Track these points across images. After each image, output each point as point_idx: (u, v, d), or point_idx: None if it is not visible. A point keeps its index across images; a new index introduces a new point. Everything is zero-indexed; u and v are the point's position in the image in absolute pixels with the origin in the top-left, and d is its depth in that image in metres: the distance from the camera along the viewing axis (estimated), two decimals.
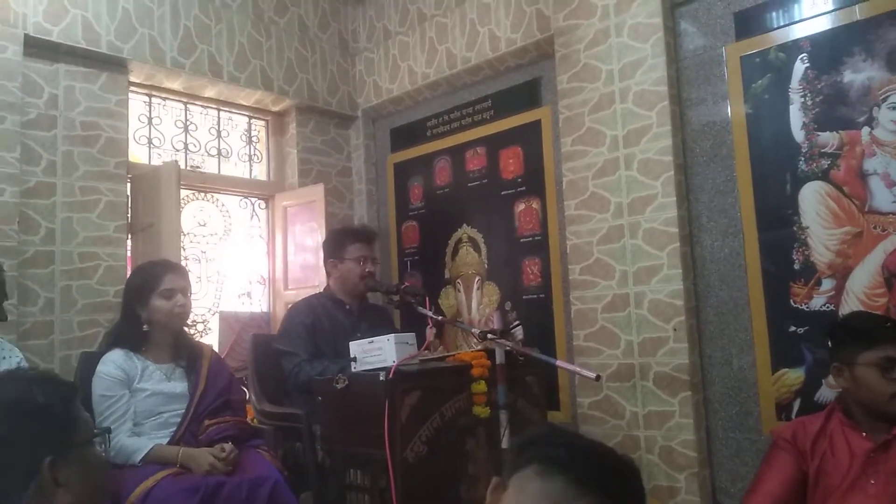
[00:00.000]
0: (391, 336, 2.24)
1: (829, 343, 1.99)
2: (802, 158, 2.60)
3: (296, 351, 2.75)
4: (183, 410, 2.32)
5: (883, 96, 2.44)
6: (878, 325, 1.87)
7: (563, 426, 0.96)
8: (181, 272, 2.49)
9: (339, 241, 3.00)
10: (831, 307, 2.51)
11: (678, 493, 2.70)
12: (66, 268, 3.07)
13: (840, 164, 2.51)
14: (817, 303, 2.54)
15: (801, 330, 2.56)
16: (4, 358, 2.24)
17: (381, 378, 2.11)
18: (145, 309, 2.36)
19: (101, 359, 2.32)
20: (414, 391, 2.16)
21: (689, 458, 2.69)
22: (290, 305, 3.25)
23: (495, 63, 3.64)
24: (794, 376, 2.57)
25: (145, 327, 2.36)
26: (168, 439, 2.24)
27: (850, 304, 2.46)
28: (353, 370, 2.27)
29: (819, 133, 2.57)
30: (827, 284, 2.53)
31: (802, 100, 2.61)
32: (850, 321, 2.00)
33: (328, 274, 3.06)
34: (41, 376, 1.28)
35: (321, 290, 3.13)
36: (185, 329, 2.50)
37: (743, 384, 2.70)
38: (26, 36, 3.00)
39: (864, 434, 1.86)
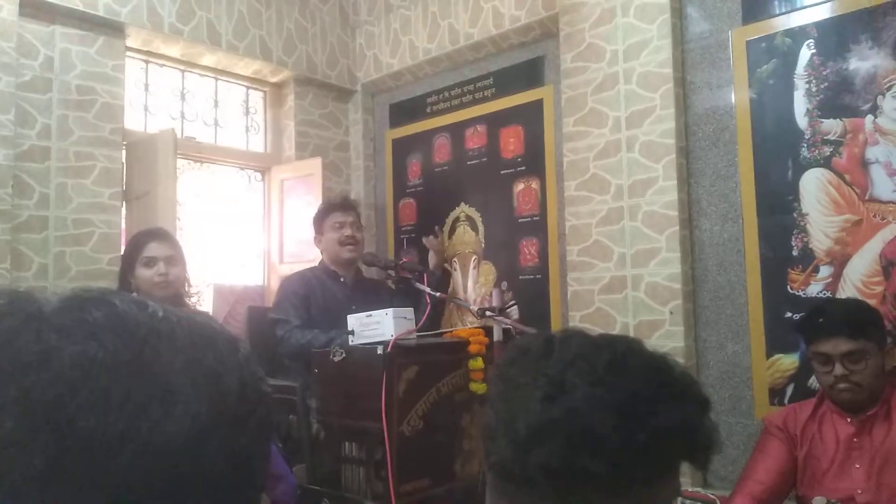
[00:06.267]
0: (389, 310, 2.24)
1: None
2: (805, 145, 2.59)
3: (287, 318, 2.76)
4: None
5: (888, 85, 2.43)
6: (812, 320, 1.92)
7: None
8: (166, 240, 2.43)
9: (319, 217, 3.08)
10: (828, 294, 2.52)
11: None
12: (60, 234, 3.03)
13: (842, 151, 2.51)
14: (814, 289, 2.55)
15: (797, 316, 2.56)
16: None
17: (379, 352, 2.11)
18: (134, 277, 2.35)
19: None
20: (411, 366, 2.17)
21: None
22: (283, 278, 3.24)
23: (498, 40, 3.60)
24: (788, 362, 2.58)
25: (134, 296, 2.34)
26: None
27: (847, 292, 2.47)
28: (350, 343, 2.27)
29: (822, 120, 2.56)
30: (825, 271, 2.54)
31: (807, 86, 2.60)
32: (807, 313, 1.98)
33: (320, 251, 3.13)
34: None
35: (316, 265, 3.14)
36: (184, 299, 2.47)
37: (737, 369, 2.72)
38: None
39: (848, 420, 1.89)
